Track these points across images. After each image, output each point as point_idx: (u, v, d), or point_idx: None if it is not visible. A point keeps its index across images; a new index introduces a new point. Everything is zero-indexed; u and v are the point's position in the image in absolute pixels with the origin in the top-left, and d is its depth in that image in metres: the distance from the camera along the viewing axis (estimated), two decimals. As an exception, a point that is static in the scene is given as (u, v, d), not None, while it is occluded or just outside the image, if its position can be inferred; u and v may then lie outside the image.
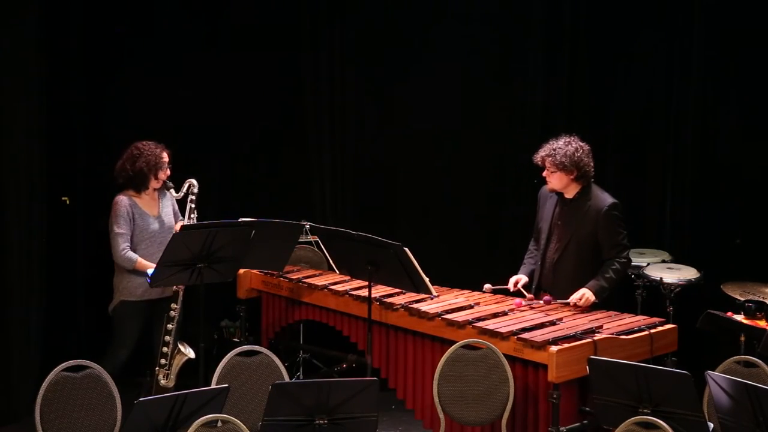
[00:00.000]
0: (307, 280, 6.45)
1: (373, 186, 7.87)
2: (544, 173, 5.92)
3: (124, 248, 6.13)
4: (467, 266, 7.39)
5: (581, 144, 5.90)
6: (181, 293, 6.09)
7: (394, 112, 7.82)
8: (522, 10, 7.51)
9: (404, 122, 7.79)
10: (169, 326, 6.06)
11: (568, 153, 5.83)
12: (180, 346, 6.13)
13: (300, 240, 6.81)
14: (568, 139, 5.90)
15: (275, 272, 6.59)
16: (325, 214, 7.71)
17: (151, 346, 6.25)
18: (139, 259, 6.12)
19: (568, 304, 5.78)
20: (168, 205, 6.34)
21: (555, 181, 5.90)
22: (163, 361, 6.08)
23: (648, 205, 7.45)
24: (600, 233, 5.85)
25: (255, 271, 6.69)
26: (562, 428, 5.17)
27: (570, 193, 5.93)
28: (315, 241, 7.03)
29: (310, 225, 6.91)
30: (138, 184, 6.20)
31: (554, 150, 5.85)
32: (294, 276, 6.55)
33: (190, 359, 6.11)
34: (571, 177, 5.87)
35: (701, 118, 7.21)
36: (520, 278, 6.03)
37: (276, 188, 7.93)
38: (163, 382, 6.09)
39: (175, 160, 6.37)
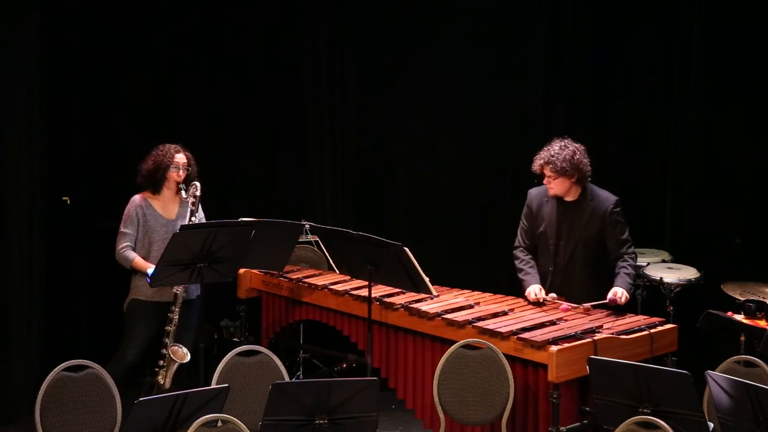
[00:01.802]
0: (307, 280, 6.45)
1: (373, 186, 7.86)
2: (545, 181, 5.90)
3: (123, 247, 6.12)
4: (467, 266, 7.39)
5: (576, 145, 5.89)
6: (180, 296, 6.08)
7: (394, 112, 7.82)
8: (522, 10, 7.50)
9: (404, 122, 7.78)
10: (167, 328, 6.05)
11: (566, 157, 5.81)
12: (176, 348, 6.08)
13: (300, 240, 6.80)
14: (562, 143, 5.87)
15: (275, 272, 6.59)
16: (325, 214, 7.71)
17: (158, 348, 6.23)
18: (136, 258, 6.11)
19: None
20: (189, 209, 6.18)
21: (557, 186, 5.88)
22: (161, 362, 6.07)
23: (648, 205, 7.44)
24: (606, 232, 5.86)
25: (255, 271, 6.69)
26: (562, 428, 5.17)
27: (571, 196, 5.92)
28: (315, 241, 7.02)
29: (310, 225, 6.91)
30: (152, 183, 6.19)
31: (552, 156, 5.82)
32: (294, 276, 6.55)
33: (182, 364, 6.08)
34: (573, 180, 5.85)
35: (701, 118, 7.20)
36: (537, 287, 5.88)
37: (276, 188, 7.93)
38: (161, 382, 6.08)
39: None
